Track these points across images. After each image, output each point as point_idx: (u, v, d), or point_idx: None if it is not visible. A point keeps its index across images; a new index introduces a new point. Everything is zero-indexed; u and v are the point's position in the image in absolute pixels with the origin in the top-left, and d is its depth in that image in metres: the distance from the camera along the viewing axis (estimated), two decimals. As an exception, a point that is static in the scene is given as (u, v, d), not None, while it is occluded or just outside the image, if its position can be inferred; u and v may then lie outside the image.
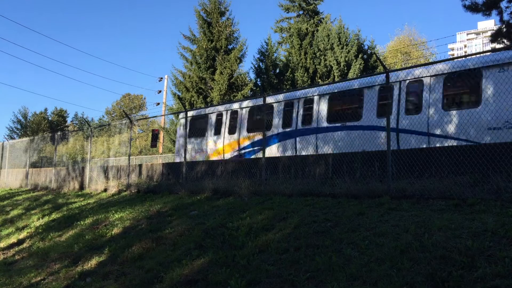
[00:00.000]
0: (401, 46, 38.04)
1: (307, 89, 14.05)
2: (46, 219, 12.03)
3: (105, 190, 14.66)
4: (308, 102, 13.26)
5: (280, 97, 13.98)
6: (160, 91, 31.29)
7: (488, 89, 9.25)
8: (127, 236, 8.24)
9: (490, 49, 12.82)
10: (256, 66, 27.02)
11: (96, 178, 15.75)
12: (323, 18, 30.22)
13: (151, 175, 14.23)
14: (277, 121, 13.81)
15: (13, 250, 9.97)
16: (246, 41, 32.72)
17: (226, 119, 15.69)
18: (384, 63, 9.29)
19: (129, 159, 14.77)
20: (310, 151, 12.56)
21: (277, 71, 26.76)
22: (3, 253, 9.87)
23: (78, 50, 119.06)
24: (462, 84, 9.98)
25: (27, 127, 51.31)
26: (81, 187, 16.49)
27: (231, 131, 15.27)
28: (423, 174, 7.43)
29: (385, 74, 8.17)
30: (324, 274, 4.64)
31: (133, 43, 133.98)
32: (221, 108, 16.10)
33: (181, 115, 16.27)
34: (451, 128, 9.63)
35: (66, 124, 54.18)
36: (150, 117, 34.32)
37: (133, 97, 62.12)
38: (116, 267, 6.77)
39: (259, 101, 13.18)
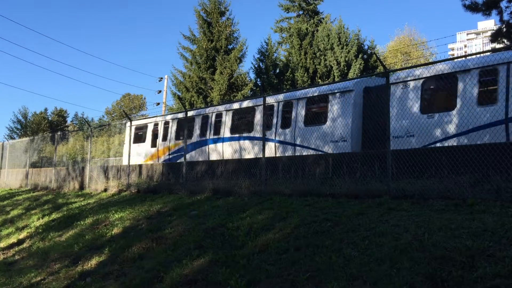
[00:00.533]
0: (401, 46, 38.04)
1: (217, 106, 16.99)
2: (46, 219, 12.03)
3: (105, 190, 14.66)
4: (218, 116, 15.97)
5: (200, 111, 17.24)
6: (160, 91, 31.29)
7: (332, 111, 12.20)
8: (127, 236, 8.24)
9: (490, 49, 12.81)
10: (256, 66, 27.05)
11: (96, 178, 15.75)
12: (323, 18, 30.23)
13: (151, 175, 14.23)
14: (197, 131, 16.41)
15: (13, 250, 9.97)
16: (246, 41, 32.76)
17: (160, 129, 18.24)
18: (384, 63, 9.28)
19: (129, 159, 14.77)
20: (215, 156, 15.30)
21: (277, 71, 26.77)
22: (3, 253, 9.87)
23: (78, 50, 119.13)
24: (316, 106, 12.94)
25: (27, 127, 51.31)
26: (81, 187, 16.49)
27: (164, 139, 17.88)
28: (423, 174, 7.43)
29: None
30: (324, 274, 4.64)
31: (133, 43, 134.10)
32: (158, 118, 19.07)
33: (128, 123, 18.00)
34: (307, 139, 12.46)
35: (66, 124, 54.19)
36: (150, 117, 34.25)
37: (133, 97, 62.11)
38: (116, 267, 6.77)
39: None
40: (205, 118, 16.32)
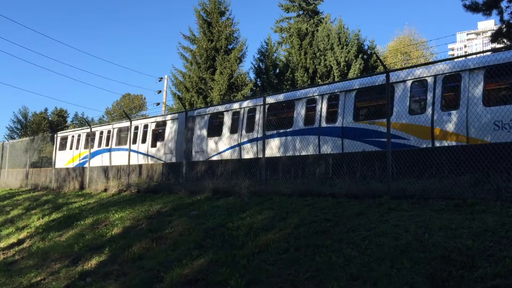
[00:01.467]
0: (401, 46, 38.02)
1: (122, 123, 20.66)
2: (46, 219, 12.03)
3: (105, 190, 14.66)
4: (124, 130, 19.73)
5: (100, 127, 21.79)
6: (160, 91, 31.27)
7: (167, 132, 17.66)
8: (127, 236, 8.24)
9: (490, 48, 12.82)
10: (256, 66, 27.03)
11: (96, 178, 15.75)
12: (323, 18, 30.22)
13: (151, 175, 14.23)
14: (97, 143, 20.74)
15: (13, 250, 9.97)
16: (246, 41, 32.75)
17: (73, 139, 22.95)
18: (384, 63, 9.27)
19: (129, 159, 14.77)
20: (120, 162, 17.88)
21: (277, 71, 26.76)
22: (3, 253, 9.87)
23: (78, 50, 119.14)
24: (161, 128, 18.26)
25: (27, 127, 51.27)
26: (81, 187, 16.49)
27: (77, 147, 22.40)
28: (423, 174, 7.43)
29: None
30: (324, 274, 4.64)
31: (133, 43, 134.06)
32: (78, 131, 23.42)
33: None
34: (156, 153, 17.64)
35: (66, 124, 54.16)
36: (150, 117, 34.22)
37: (133, 97, 62.07)
38: (116, 267, 6.77)
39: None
40: (101, 133, 21.29)
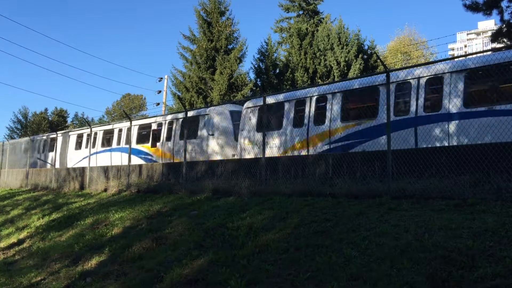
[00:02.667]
0: (401, 46, 38.02)
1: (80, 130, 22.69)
2: (46, 219, 12.03)
3: (105, 190, 14.66)
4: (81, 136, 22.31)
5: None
6: (160, 91, 31.25)
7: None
8: (127, 236, 8.24)
9: (490, 48, 12.82)
10: (256, 66, 27.02)
11: (96, 178, 15.75)
12: (323, 18, 30.21)
13: (151, 175, 14.23)
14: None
15: (13, 250, 9.97)
16: (246, 41, 32.75)
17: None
18: (385, 63, 9.26)
19: (129, 159, 14.77)
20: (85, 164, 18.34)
21: (277, 71, 26.75)
22: (3, 253, 9.87)
23: (78, 50, 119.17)
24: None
25: (27, 127, 51.26)
26: (81, 187, 16.49)
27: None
28: (423, 174, 7.42)
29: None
30: (324, 274, 4.64)
31: (133, 43, 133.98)
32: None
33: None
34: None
35: (66, 124, 54.16)
36: (150, 117, 34.22)
37: (133, 97, 62.06)
38: (116, 266, 6.77)
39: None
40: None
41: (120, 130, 19.48)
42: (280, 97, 13.20)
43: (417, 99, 9.90)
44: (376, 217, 5.98)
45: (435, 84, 9.72)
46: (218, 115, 15.42)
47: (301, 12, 31.19)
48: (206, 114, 15.65)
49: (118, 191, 13.89)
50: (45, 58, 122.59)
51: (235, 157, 13.92)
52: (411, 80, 10.11)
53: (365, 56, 25.53)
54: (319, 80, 24.79)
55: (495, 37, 15.30)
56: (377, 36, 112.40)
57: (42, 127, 50.06)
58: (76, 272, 7.04)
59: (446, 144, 9.12)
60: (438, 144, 9.27)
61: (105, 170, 15.79)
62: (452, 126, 9.12)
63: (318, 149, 11.72)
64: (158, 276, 5.79)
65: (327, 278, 4.52)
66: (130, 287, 5.82)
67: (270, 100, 12.77)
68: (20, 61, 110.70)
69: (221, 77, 24.43)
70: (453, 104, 9.23)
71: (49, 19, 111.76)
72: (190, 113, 15.21)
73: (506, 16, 14.52)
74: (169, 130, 17.14)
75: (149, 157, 17.76)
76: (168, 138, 17.04)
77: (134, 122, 17.86)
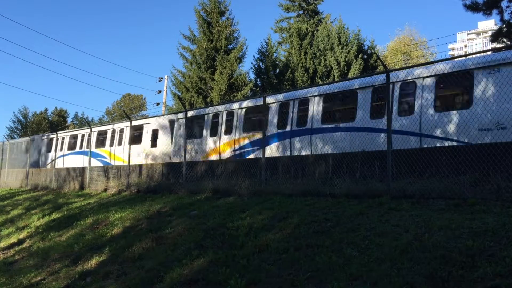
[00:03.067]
0: (401, 46, 38.02)
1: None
2: (46, 219, 12.03)
3: (105, 190, 14.66)
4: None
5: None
6: (160, 91, 31.25)
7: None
8: (127, 236, 8.24)
9: (490, 48, 12.83)
10: (256, 66, 27.01)
11: (96, 178, 15.75)
12: (323, 18, 30.22)
13: (151, 175, 14.23)
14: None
15: (13, 250, 9.97)
16: (246, 41, 32.75)
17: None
18: (385, 63, 9.27)
19: (129, 159, 14.77)
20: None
21: (277, 71, 26.74)
22: (3, 253, 9.87)
23: (78, 50, 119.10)
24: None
25: (27, 127, 51.29)
26: (81, 187, 16.49)
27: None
28: (423, 174, 7.42)
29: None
30: (324, 274, 4.63)
31: (133, 43, 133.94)
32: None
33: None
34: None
35: (66, 124, 54.16)
36: (150, 117, 34.19)
37: (133, 97, 62.08)
38: (116, 266, 6.76)
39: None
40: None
41: (83, 135, 21.98)
42: (202, 111, 16.01)
43: (292, 117, 12.77)
44: (376, 217, 5.98)
45: (303, 105, 12.63)
46: (160, 124, 17.93)
47: (301, 12, 31.20)
48: (149, 123, 18.27)
49: (118, 191, 13.89)
50: (45, 58, 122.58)
51: (171, 160, 16.03)
52: (290, 101, 13.01)
53: (365, 56, 25.53)
54: (319, 80, 24.80)
55: (495, 37, 15.30)
56: (377, 36, 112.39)
57: (42, 127, 50.08)
58: (76, 272, 7.04)
59: (309, 151, 11.90)
60: (304, 152, 12.04)
61: (105, 170, 15.80)
62: (314, 137, 11.98)
63: (226, 155, 14.20)
64: (158, 276, 5.79)
65: (327, 278, 4.52)
66: (130, 287, 5.82)
67: (192, 113, 15.49)
68: (20, 61, 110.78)
69: (221, 77, 24.43)
70: (315, 121, 12.08)
71: (49, 19, 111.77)
72: (135, 122, 17.80)
73: (506, 16, 14.53)
74: (120, 136, 19.62)
75: (105, 159, 20.17)
76: (120, 143, 19.48)
77: (93, 129, 20.66)
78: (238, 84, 25.14)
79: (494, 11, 14.50)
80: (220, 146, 14.49)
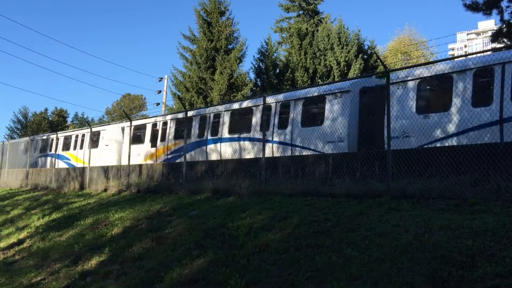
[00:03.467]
0: (401, 46, 38.01)
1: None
2: (46, 219, 12.03)
3: (105, 190, 14.66)
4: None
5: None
6: (160, 91, 31.24)
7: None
8: (127, 236, 8.24)
9: (490, 48, 12.81)
10: (256, 66, 27.00)
11: (96, 178, 15.75)
12: (323, 18, 30.21)
13: (151, 175, 14.23)
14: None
15: (13, 250, 9.97)
16: (246, 41, 32.71)
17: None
18: (385, 63, 9.28)
19: (129, 159, 14.77)
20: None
21: (277, 71, 26.73)
22: (3, 253, 9.87)
23: (78, 50, 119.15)
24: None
25: (27, 127, 51.27)
26: (81, 187, 16.49)
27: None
28: (423, 174, 7.42)
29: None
30: (324, 274, 4.64)
31: (133, 43, 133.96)
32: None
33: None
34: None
35: (66, 124, 54.16)
36: (151, 117, 34.16)
37: (133, 97, 62.05)
38: (117, 266, 6.76)
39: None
40: None
41: (52, 140, 23.92)
42: (144, 121, 18.87)
43: (208, 128, 15.25)
44: (376, 217, 5.98)
45: (216, 118, 15.20)
46: (113, 131, 20.21)
47: (301, 12, 31.19)
48: (104, 130, 20.50)
49: (118, 191, 13.89)
50: (45, 58, 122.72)
51: (122, 163, 17.82)
52: (207, 114, 15.64)
53: (365, 56, 25.53)
54: (319, 80, 24.80)
55: (495, 37, 15.28)
56: (377, 36, 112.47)
57: (42, 127, 50.07)
58: (76, 272, 7.04)
59: (219, 156, 14.28)
60: (214, 157, 14.51)
61: (105, 170, 15.80)
62: (223, 146, 14.56)
63: (160, 159, 16.81)
64: (158, 276, 5.79)
65: (327, 278, 4.52)
66: (130, 287, 5.82)
67: (137, 122, 18.71)
68: (20, 61, 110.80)
69: (221, 77, 24.43)
70: (224, 131, 14.73)
71: (49, 19, 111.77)
72: (94, 129, 20.27)
73: (506, 16, 14.51)
74: (82, 141, 21.58)
75: (70, 161, 21.94)
76: (81, 146, 21.41)
77: (59, 134, 23.65)
78: (238, 84, 25.13)
79: (494, 11, 14.49)
80: (157, 151, 17.25)
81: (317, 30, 27.83)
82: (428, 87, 10.35)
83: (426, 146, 9.18)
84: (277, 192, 8.84)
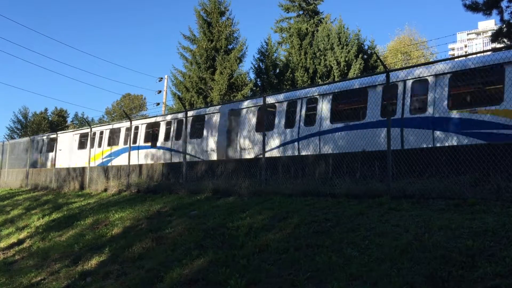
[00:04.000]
0: (402, 46, 37.99)
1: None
2: (46, 219, 12.03)
3: (105, 190, 14.66)
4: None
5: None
6: (160, 91, 31.23)
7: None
8: (128, 236, 8.24)
9: (490, 48, 12.81)
10: (256, 66, 26.99)
11: (96, 178, 15.75)
12: (323, 18, 30.21)
13: (151, 175, 14.23)
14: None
15: (14, 250, 9.97)
16: (246, 41, 32.73)
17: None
18: (385, 63, 9.29)
19: (129, 159, 14.77)
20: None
21: (277, 71, 26.72)
22: (3, 253, 9.87)
23: (78, 50, 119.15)
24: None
25: (27, 127, 51.27)
26: (81, 187, 16.49)
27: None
28: (423, 174, 7.42)
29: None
30: (324, 274, 4.63)
31: (133, 43, 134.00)
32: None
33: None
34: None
35: (66, 124, 54.15)
36: (150, 117, 34.13)
37: (133, 97, 62.04)
38: (117, 266, 6.76)
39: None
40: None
41: (20, 143, 27.20)
42: (85, 130, 21.94)
43: (130, 137, 16.47)
44: (376, 217, 5.98)
45: (136, 129, 18.72)
46: (65, 137, 23.42)
47: (301, 12, 31.19)
48: (58, 137, 23.24)
49: (118, 191, 13.89)
50: (45, 58, 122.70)
51: (71, 166, 20.51)
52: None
53: (365, 56, 25.52)
54: (319, 80, 24.80)
55: (495, 37, 15.27)
56: (377, 36, 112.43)
57: (42, 127, 50.07)
58: (76, 272, 7.04)
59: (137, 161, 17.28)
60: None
61: (105, 170, 15.80)
62: (140, 152, 18.28)
63: (97, 162, 20.03)
64: (158, 276, 5.79)
65: (327, 278, 4.52)
66: (130, 287, 5.82)
67: (81, 131, 22.94)
68: (20, 61, 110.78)
69: (221, 77, 24.42)
70: (141, 140, 18.69)
71: (49, 19, 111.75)
72: (60, 133, 24.16)
73: (506, 16, 14.50)
74: (46, 144, 24.64)
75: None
76: (47, 150, 24.42)
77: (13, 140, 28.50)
78: (238, 84, 25.13)
79: (494, 11, 14.48)
80: (95, 156, 20.47)
81: (317, 30, 27.83)
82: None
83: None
84: (277, 192, 8.83)
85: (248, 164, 10.91)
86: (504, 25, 14.69)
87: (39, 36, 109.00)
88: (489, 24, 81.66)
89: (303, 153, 12.18)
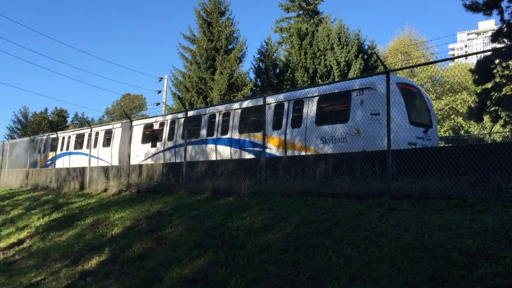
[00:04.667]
0: (402, 46, 37.96)
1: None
2: (46, 219, 12.03)
3: (106, 190, 14.66)
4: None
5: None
6: (160, 91, 31.22)
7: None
8: (128, 236, 8.24)
9: (490, 48, 12.79)
10: (256, 66, 26.99)
11: (97, 178, 15.75)
12: (323, 18, 30.20)
13: (151, 175, 14.22)
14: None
15: (14, 250, 9.97)
16: (246, 41, 32.67)
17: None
18: (385, 63, 9.29)
19: (129, 159, 14.77)
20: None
21: (277, 71, 26.72)
22: (3, 253, 9.87)
23: (78, 50, 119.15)
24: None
25: (27, 127, 51.28)
26: (82, 187, 16.49)
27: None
28: (424, 174, 7.42)
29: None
30: (324, 274, 4.63)
31: (133, 43, 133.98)
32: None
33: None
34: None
35: (66, 124, 54.14)
36: (151, 117, 34.10)
37: (133, 97, 62.01)
38: (117, 266, 6.77)
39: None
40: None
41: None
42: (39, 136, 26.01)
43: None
44: (376, 217, 5.98)
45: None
46: (20, 145, 26.27)
47: (301, 12, 31.18)
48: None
49: (118, 191, 13.89)
50: (45, 58, 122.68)
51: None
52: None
53: (365, 56, 25.51)
54: (319, 80, 24.80)
55: (495, 37, 15.26)
56: (377, 36, 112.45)
57: (42, 127, 50.08)
58: (76, 272, 7.04)
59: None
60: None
61: (105, 170, 15.79)
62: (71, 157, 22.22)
63: (42, 165, 23.90)
64: (158, 276, 5.79)
65: (327, 278, 4.52)
66: (130, 287, 5.82)
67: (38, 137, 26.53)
68: (20, 61, 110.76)
69: (221, 77, 24.42)
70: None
71: (50, 19, 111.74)
72: (14, 141, 28.81)
73: (506, 16, 14.49)
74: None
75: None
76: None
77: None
78: (238, 84, 25.13)
79: (494, 11, 14.48)
80: (45, 158, 23.82)
81: (317, 30, 27.82)
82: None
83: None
84: (277, 192, 8.83)
85: (248, 164, 10.90)
86: (504, 25, 14.68)
87: (39, 36, 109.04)
88: (489, 24, 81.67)
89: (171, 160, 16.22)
